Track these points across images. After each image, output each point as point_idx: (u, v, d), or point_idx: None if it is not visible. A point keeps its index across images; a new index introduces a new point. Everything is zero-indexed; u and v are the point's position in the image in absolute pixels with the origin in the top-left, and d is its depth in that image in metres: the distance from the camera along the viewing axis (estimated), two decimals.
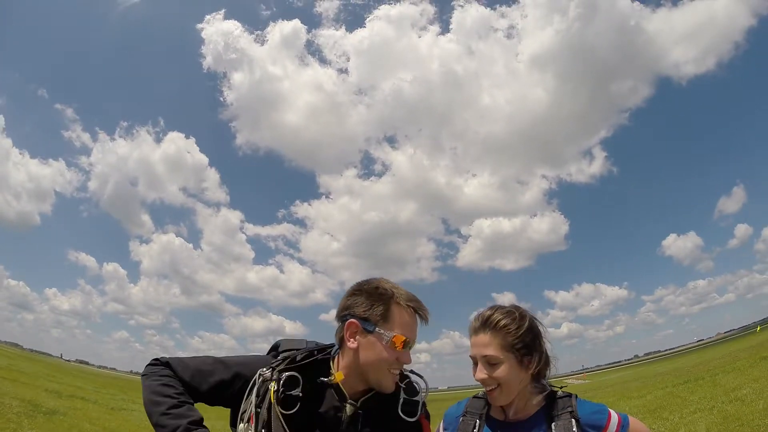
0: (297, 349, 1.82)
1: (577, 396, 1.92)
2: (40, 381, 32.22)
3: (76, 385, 37.53)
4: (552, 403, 1.90)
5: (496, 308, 1.97)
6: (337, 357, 1.84)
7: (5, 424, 12.65)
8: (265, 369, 1.71)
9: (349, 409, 1.74)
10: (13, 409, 15.18)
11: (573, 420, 1.80)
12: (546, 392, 1.94)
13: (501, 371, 1.85)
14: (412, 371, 1.88)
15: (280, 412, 1.64)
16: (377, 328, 1.71)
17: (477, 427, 1.94)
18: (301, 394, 1.69)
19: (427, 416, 1.86)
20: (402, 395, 1.79)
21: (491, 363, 1.86)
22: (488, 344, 1.87)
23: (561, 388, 1.97)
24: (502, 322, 1.90)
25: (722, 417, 11.47)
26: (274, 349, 1.90)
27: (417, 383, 1.87)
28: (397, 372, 1.76)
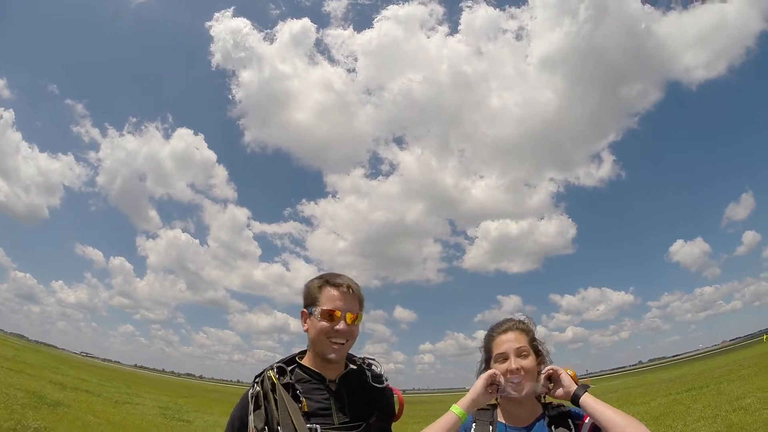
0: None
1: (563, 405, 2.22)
2: (46, 373, 32.50)
3: (80, 378, 37.83)
4: (548, 409, 2.20)
5: (510, 317, 2.36)
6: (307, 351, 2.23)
7: (10, 415, 12.71)
8: (253, 384, 2.07)
9: (332, 386, 2.11)
10: (18, 401, 15.30)
11: (569, 419, 2.11)
12: (541, 402, 2.25)
13: (529, 361, 2.18)
14: (366, 357, 2.33)
15: (287, 396, 1.98)
16: (313, 308, 2.13)
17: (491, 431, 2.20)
18: (290, 380, 2.06)
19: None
20: (368, 372, 2.25)
21: (521, 354, 2.18)
22: (518, 339, 2.23)
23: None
24: (524, 324, 2.30)
25: (726, 426, 11.45)
26: None
27: (374, 364, 2.30)
28: (338, 342, 2.10)
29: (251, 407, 1.97)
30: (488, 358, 2.28)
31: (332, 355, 2.10)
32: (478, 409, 2.26)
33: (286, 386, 2.02)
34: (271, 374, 2.05)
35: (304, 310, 2.18)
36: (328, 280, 2.17)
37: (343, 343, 2.12)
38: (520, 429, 2.17)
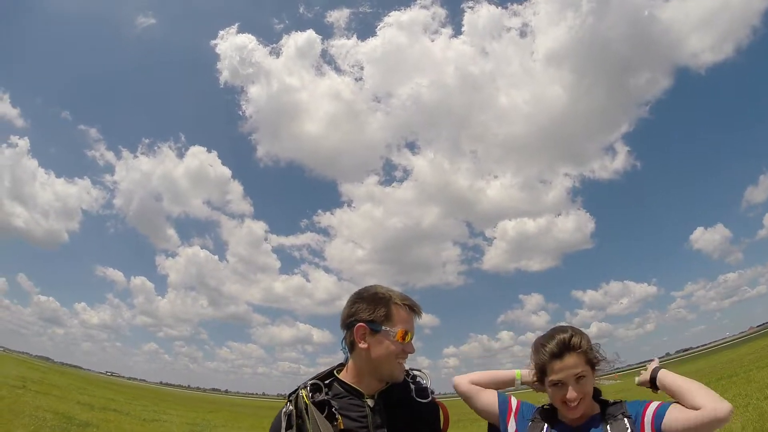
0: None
1: (625, 402, 2.13)
2: (73, 394, 32.90)
3: (107, 398, 38.24)
4: (605, 407, 2.13)
5: (562, 330, 2.16)
6: (348, 364, 2.11)
7: None
8: (287, 402, 2.00)
9: (370, 402, 2.01)
10: (47, 423, 15.50)
11: (626, 419, 2.02)
12: (598, 397, 2.18)
13: (587, 384, 2.07)
14: (412, 368, 2.18)
15: (319, 414, 1.90)
16: (383, 327, 1.98)
17: (545, 430, 2.15)
18: (326, 397, 1.97)
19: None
20: (412, 385, 2.12)
21: (579, 380, 2.05)
22: (577, 364, 2.05)
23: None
24: (581, 342, 2.09)
25: (758, 414, 11.22)
26: None
27: (420, 376, 2.20)
28: (404, 362, 2.05)
29: (284, 426, 1.92)
30: (542, 376, 2.17)
31: (400, 376, 2.05)
32: (542, 408, 2.25)
33: (321, 404, 1.94)
34: (303, 393, 1.96)
35: (363, 324, 2.00)
36: (398, 299, 2.06)
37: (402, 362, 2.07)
38: (574, 428, 2.11)
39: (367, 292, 2.09)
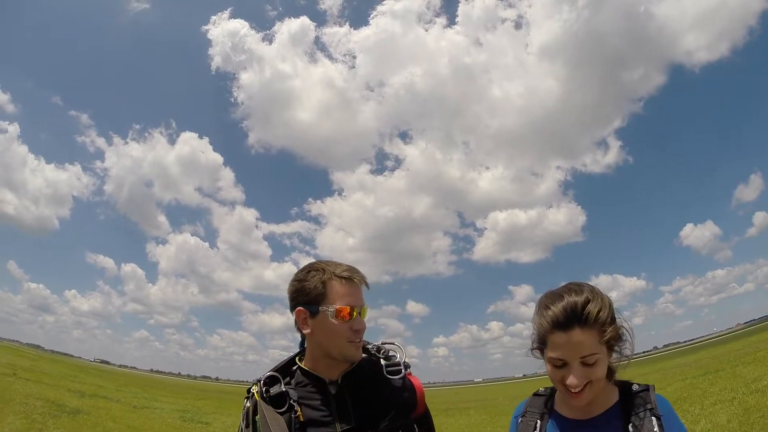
0: None
1: (653, 387, 1.63)
2: (63, 381, 32.89)
3: (98, 385, 38.17)
4: (627, 397, 1.61)
5: (576, 290, 1.60)
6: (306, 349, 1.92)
7: (31, 424, 12.91)
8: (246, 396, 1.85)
9: (332, 388, 1.80)
10: (37, 410, 15.49)
11: (654, 418, 1.52)
12: (620, 384, 1.67)
13: (600, 370, 1.53)
14: (384, 342, 1.99)
15: (270, 410, 1.74)
16: (320, 307, 1.76)
17: (538, 428, 1.70)
18: (283, 389, 1.78)
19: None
20: (383, 361, 1.90)
21: (588, 363, 1.52)
22: (585, 342, 1.51)
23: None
24: (599, 313, 1.53)
25: (743, 408, 11.36)
26: None
27: (393, 350, 1.97)
28: (357, 340, 1.81)
29: (242, 424, 1.81)
30: (541, 346, 1.65)
31: (356, 355, 1.82)
32: (534, 395, 1.81)
33: (278, 396, 1.77)
34: (254, 390, 1.81)
35: (302, 308, 1.79)
36: (334, 272, 1.80)
37: (360, 340, 1.83)
38: (581, 421, 1.63)
39: (302, 271, 1.87)
